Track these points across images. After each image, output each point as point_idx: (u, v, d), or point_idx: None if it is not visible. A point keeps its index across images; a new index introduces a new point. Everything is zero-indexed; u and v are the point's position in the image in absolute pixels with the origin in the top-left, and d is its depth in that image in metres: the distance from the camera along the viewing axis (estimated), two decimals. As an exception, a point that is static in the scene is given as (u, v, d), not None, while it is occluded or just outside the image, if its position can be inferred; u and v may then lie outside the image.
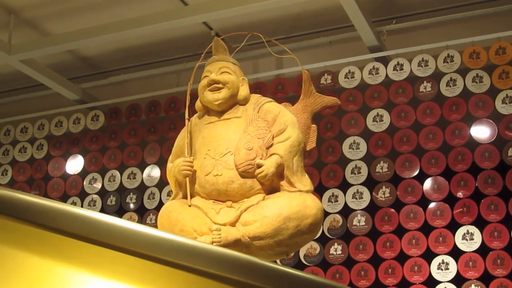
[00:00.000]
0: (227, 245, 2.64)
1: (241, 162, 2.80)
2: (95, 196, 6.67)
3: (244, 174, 2.80)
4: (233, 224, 2.74)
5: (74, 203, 6.59)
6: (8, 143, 7.15)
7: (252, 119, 2.93)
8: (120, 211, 6.54)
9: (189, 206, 2.82)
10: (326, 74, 6.10)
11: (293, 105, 3.18)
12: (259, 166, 2.79)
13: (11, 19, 6.10)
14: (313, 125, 3.14)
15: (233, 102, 3.00)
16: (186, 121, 3.03)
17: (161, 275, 1.20)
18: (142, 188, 6.48)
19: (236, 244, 2.68)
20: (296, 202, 2.75)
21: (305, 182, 2.87)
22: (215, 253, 1.23)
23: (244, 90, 3.03)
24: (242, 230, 2.71)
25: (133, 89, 6.88)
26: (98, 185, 6.68)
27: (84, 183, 6.74)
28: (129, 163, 6.61)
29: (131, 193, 6.54)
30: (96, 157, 6.79)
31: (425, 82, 5.80)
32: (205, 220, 2.77)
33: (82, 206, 6.21)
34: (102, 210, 6.47)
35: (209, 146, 2.89)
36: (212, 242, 2.64)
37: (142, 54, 6.77)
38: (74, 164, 6.85)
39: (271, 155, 2.83)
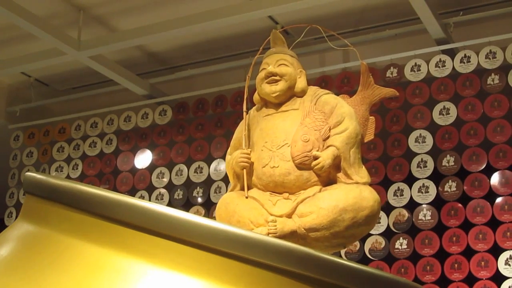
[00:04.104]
0: (283, 236, 2.65)
1: (297, 154, 2.81)
2: (163, 190, 6.75)
3: (301, 166, 2.80)
4: (289, 215, 2.75)
5: (142, 197, 6.69)
6: (79, 138, 7.28)
7: (309, 111, 2.93)
8: (187, 205, 6.61)
9: (246, 197, 2.84)
10: (392, 67, 6.04)
11: (351, 97, 3.18)
12: (316, 158, 2.79)
13: (80, 16, 6.22)
14: (371, 117, 3.13)
15: (290, 94, 3.01)
16: (244, 113, 3.06)
17: (217, 265, 1.21)
18: (208, 182, 6.53)
19: (292, 235, 2.69)
20: (353, 194, 2.75)
21: (362, 174, 2.86)
22: (270, 244, 1.23)
23: (301, 82, 3.04)
24: (298, 222, 2.72)
25: (200, 84, 6.93)
26: (165, 179, 6.76)
27: (152, 177, 6.81)
28: (196, 157, 6.66)
29: (198, 187, 6.60)
30: (163, 152, 6.87)
31: (493, 74, 5.69)
32: (262, 212, 2.78)
33: (150, 200, 6.29)
34: (169, 204, 6.54)
35: (267, 138, 2.91)
36: (268, 233, 2.65)
37: (209, 49, 6.81)
38: (143, 159, 6.93)
39: (327, 147, 2.83)
